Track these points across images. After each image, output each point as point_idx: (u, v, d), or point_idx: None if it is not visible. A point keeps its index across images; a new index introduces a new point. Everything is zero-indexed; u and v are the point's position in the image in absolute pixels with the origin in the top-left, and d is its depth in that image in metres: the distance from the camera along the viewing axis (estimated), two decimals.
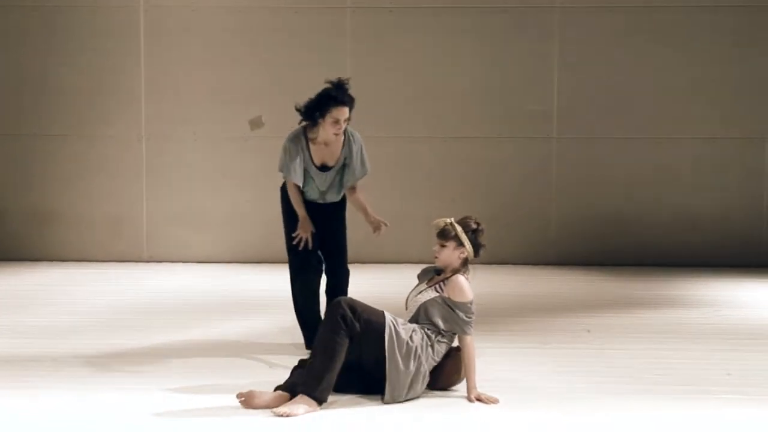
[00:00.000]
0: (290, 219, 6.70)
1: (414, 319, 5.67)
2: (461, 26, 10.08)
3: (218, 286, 9.03)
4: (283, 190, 6.77)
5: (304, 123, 6.58)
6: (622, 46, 10.06)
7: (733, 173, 10.11)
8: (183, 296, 8.58)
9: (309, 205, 6.67)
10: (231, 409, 5.39)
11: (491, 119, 10.12)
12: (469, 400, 5.55)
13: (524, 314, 7.85)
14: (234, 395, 5.48)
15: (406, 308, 5.78)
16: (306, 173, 6.58)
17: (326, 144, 6.57)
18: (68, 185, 10.20)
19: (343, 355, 5.40)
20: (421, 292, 5.73)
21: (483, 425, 5.20)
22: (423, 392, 5.62)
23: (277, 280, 9.29)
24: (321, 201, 6.70)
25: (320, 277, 6.70)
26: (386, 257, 10.07)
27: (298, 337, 6.79)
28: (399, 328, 5.54)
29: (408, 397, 5.53)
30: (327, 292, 6.75)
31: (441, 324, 5.62)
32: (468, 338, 5.61)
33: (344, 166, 6.65)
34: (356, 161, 6.67)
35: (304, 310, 6.64)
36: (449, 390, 5.77)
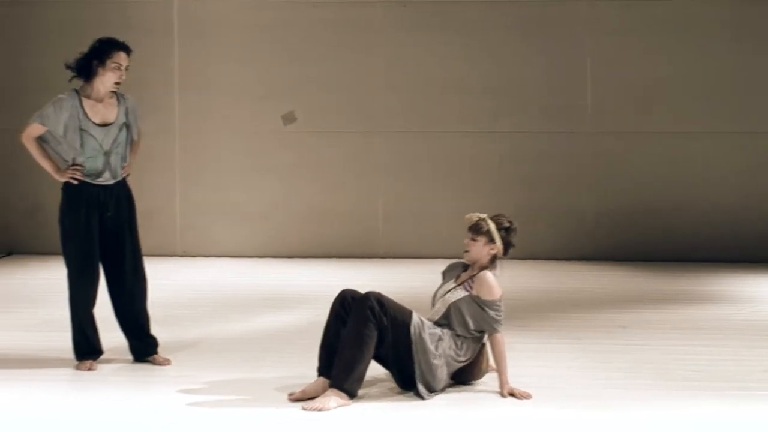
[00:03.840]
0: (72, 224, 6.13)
1: (444, 319, 5.63)
2: (494, 20, 10.05)
3: (251, 281, 9.05)
4: (65, 189, 6.15)
5: (76, 85, 6.14)
6: (656, 39, 9.99)
7: (766, 169, 10.01)
8: (216, 290, 8.61)
9: (94, 191, 6.08)
10: (264, 401, 5.41)
11: (524, 114, 10.08)
12: (502, 395, 5.52)
13: (558, 310, 7.81)
14: (267, 388, 5.50)
15: (433, 306, 5.75)
16: (84, 133, 6.04)
17: (103, 102, 6.12)
18: None
19: (372, 346, 5.38)
20: (449, 290, 5.69)
21: (515, 421, 5.18)
22: (449, 385, 5.60)
23: (311, 275, 9.33)
24: (109, 176, 6.11)
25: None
26: (414, 252, 10.05)
27: None
28: (425, 330, 5.49)
29: (438, 389, 5.51)
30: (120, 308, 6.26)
31: (471, 323, 5.59)
32: (498, 335, 5.58)
33: (128, 125, 6.22)
34: (134, 121, 6.31)
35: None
36: (477, 385, 5.74)
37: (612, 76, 10.00)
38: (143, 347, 6.21)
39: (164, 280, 9.03)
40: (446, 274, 5.88)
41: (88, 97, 6.10)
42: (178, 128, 10.20)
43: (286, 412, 5.24)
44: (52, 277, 9.11)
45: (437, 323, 5.63)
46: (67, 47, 10.24)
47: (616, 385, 5.80)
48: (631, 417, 5.25)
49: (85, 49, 6.18)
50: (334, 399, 5.28)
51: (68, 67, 6.16)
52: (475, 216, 5.77)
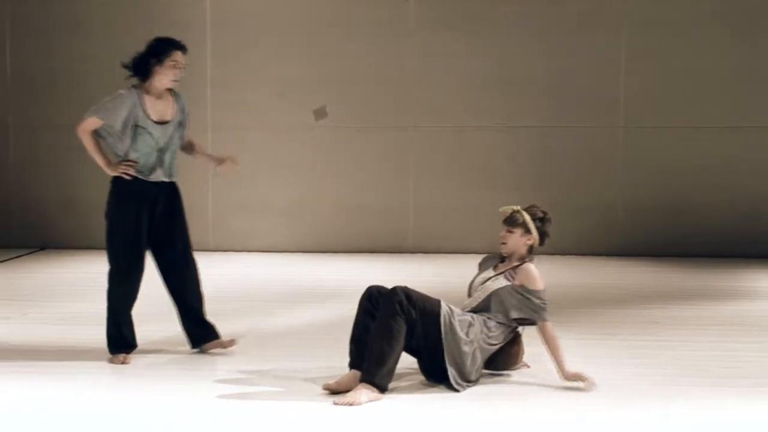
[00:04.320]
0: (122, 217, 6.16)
1: (483, 307, 5.63)
2: (526, 14, 10.02)
3: (282, 275, 9.07)
4: (112, 180, 6.21)
5: (134, 83, 6.16)
6: (690, 34, 9.93)
7: None
8: (248, 285, 8.64)
9: (144, 188, 6.11)
10: (295, 395, 5.42)
11: (556, 108, 10.05)
12: (569, 378, 5.54)
13: (590, 305, 7.79)
14: (298, 381, 5.54)
15: (469, 295, 5.76)
16: (142, 131, 6.06)
17: (160, 100, 6.15)
18: None
19: (402, 340, 5.39)
20: (489, 279, 5.70)
21: (546, 417, 5.17)
22: (482, 375, 5.62)
23: (342, 269, 9.34)
24: (162, 174, 6.15)
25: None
26: (449, 247, 10.05)
27: None
28: (455, 317, 5.51)
29: (472, 379, 5.52)
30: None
31: (514, 313, 5.59)
32: (547, 324, 5.61)
33: (181, 123, 6.26)
34: (187, 120, 6.34)
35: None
36: (510, 378, 5.74)
37: (645, 69, 9.95)
38: (201, 334, 6.29)
39: None
40: (482, 266, 5.89)
41: (149, 93, 6.14)
42: (210, 123, 10.23)
43: (317, 406, 5.25)
44: (85, 272, 9.18)
45: (473, 310, 5.64)
46: (100, 44, 10.36)
47: (649, 381, 5.77)
48: (665, 413, 5.23)
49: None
50: (365, 393, 5.29)
51: (124, 66, 6.20)
52: (509, 208, 5.79)
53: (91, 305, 7.72)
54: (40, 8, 10.34)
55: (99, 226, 10.34)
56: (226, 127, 10.23)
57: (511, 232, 5.72)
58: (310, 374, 5.80)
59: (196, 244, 10.24)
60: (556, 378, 5.65)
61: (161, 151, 6.15)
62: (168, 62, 6.08)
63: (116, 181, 6.18)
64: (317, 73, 10.15)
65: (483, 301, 5.65)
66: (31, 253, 10.14)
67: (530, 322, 5.67)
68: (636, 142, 10.02)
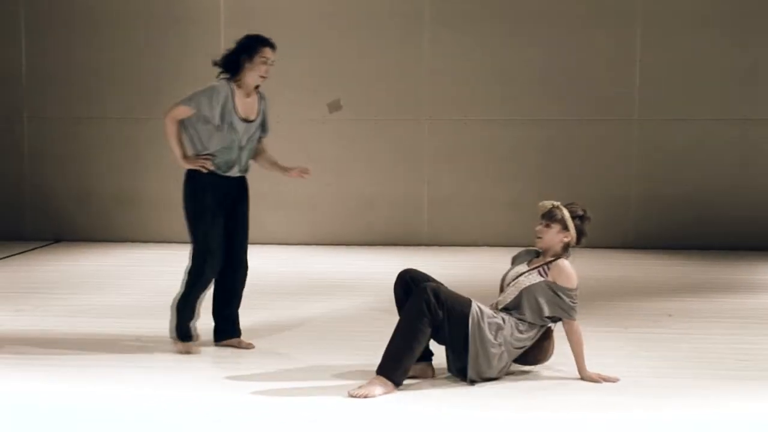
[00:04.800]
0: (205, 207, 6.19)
1: (515, 303, 5.58)
2: (541, 7, 9.99)
3: (297, 268, 9.07)
4: (187, 174, 6.22)
5: (223, 77, 6.19)
6: (704, 27, 9.88)
7: None
8: (260, 277, 8.58)
9: (220, 182, 6.20)
10: (308, 388, 5.42)
11: (572, 101, 10.02)
12: (586, 379, 5.55)
13: (604, 298, 7.77)
14: (314, 374, 5.57)
15: (501, 290, 5.72)
16: (229, 126, 6.12)
17: (249, 98, 6.22)
18: (149, 168, 10.32)
19: (424, 341, 5.38)
20: (522, 274, 5.65)
21: (562, 407, 5.16)
22: (508, 370, 5.62)
23: (357, 262, 9.34)
24: (237, 170, 6.25)
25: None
26: (463, 240, 10.04)
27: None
28: (484, 319, 5.47)
29: (493, 376, 5.52)
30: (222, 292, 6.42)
31: (546, 309, 5.56)
32: (575, 323, 5.58)
33: (263, 123, 6.32)
34: (268, 119, 6.40)
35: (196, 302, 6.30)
36: (527, 375, 5.73)
37: (660, 62, 9.91)
38: (230, 330, 6.35)
39: None
40: (516, 260, 5.84)
41: (240, 89, 6.19)
42: None
43: (332, 399, 5.25)
44: (98, 264, 9.20)
45: (505, 308, 5.61)
46: (115, 38, 10.37)
47: (664, 374, 5.76)
48: (680, 405, 5.21)
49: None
50: (380, 387, 5.29)
51: (215, 63, 6.24)
52: (548, 203, 5.72)
53: (103, 298, 7.75)
54: (55, 2, 10.36)
55: (114, 218, 10.46)
56: None
57: (548, 227, 5.65)
58: (326, 367, 5.80)
59: None
60: (569, 370, 5.64)
61: (241, 149, 6.22)
62: (258, 59, 6.13)
63: (192, 174, 6.20)
64: (331, 66, 10.15)
65: (516, 298, 5.60)
66: (45, 245, 10.16)
67: (557, 319, 5.64)
68: (650, 135, 9.98)
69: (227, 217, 6.30)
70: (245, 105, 6.19)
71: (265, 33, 10.08)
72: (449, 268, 8.67)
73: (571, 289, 5.58)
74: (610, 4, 9.96)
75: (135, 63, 10.28)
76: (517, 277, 5.65)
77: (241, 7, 10.19)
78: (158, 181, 10.30)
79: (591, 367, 5.64)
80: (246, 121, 6.19)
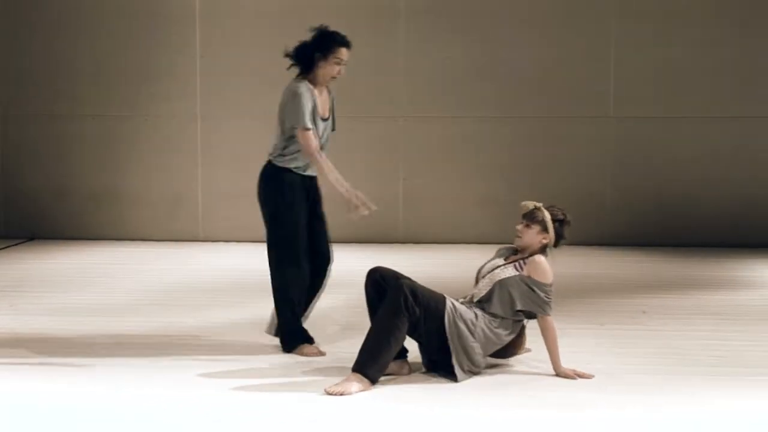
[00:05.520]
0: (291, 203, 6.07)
1: (487, 296, 5.63)
2: (516, 4, 10.01)
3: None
4: (269, 172, 6.15)
5: (299, 73, 6.06)
6: (680, 25, 9.93)
7: None
8: (238, 275, 8.63)
9: (300, 180, 6.08)
10: (282, 386, 5.43)
11: (548, 99, 10.05)
12: (561, 375, 5.59)
13: (580, 295, 7.80)
14: (291, 372, 5.58)
15: (476, 282, 5.76)
16: (314, 129, 5.99)
17: (321, 95, 6.08)
18: (126, 165, 10.29)
19: (401, 339, 5.41)
20: (498, 267, 5.70)
21: (536, 404, 5.18)
22: (485, 366, 5.67)
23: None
24: (314, 169, 6.10)
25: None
26: (439, 238, 10.05)
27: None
28: (458, 315, 5.52)
29: (475, 371, 5.57)
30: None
31: (518, 303, 5.60)
32: (549, 318, 5.62)
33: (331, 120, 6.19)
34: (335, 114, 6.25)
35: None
36: (505, 368, 5.76)
37: (635, 60, 9.95)
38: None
39: (186, 265, 9.07)
40: (496, 254, 5.89)
41: (314, 87, 6.04)
42: (199, 113, 10.22)
43: (307, 396, 5.26)
44: (75, 262, 9.16)
45: (479, 301, 5.64)
46: (91, 35, 10.32)
47: (639, 370, 5.79)
48: (656, 402, 5.24)
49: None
50: (355, 384, 5.31)
51: (287, 55, 6.07)
52: (531, 204, 5.78)
53: (81, 296, 7.72)
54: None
55: (91, 216, 10.42)
56: (215, 116, 10.21)
57: (528, 227, 5.72)
58: (303, 364, 5.80)
59: (184, 234, 10.34)
60: (547, 367, 5.67)
61: (321, 148, 6.06)
62: (332, 58, 5.99)
63: (270, 168, 6.10)
64: None
65: (489, 290, 5.64)
66: (20, 243, 10.12)
67: (532, 315, 5.67)
68: (625, 133, 10.02)
69: (310, 217, 6.14)
70: (321, 103, 6.05)
71: (239, 29, 10.18)
72: (424, 265, 8.68)
73: (546, 285, 5.63)
74: (585, 1, 9.99)
75: (111, 60, 10.24)
76: (492, 270, 5.71)
77: (216, 4, 10.17)
78: (136, 179, 10.27)
79: (566, 364, 5.67)
80: (323, 119, 6.06)
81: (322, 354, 5.97)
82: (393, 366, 5.54)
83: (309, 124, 5.94)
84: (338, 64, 6.01)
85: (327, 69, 6.00)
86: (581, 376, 5.59)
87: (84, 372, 5.71)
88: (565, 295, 7.72)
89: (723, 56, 9.92)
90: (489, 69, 10.04)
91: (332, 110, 6.19)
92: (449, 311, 5.48)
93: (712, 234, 9.95)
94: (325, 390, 5.29)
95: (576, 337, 6.42)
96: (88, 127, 10.29)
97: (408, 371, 5.61)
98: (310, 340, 6.07)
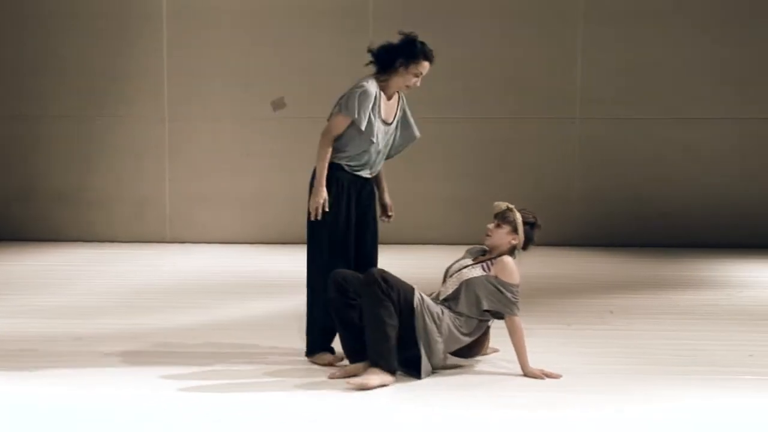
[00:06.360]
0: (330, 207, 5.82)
1: (454, 295, 5.67)
2: (482, 4, 10.04)
3: (241, 267, 9.05)
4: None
5: (375, 71, 5.87)
6: (647, 25, 9.99)
7: (758, 155, 10.05)
8: (205, 277, 8.61)
9: (351, 179, 5.88)
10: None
11: (514, 99, 10.08)
12: (529, 375, 5.62)
13: (547, 295, 7.84)
14: (261, 373, 5.61)
15: (444, 281, 5.79)
16: (369, 130, 5.80)
17: (389, 99, 5.91)
18: (92, 166, 10.24)
19: (393, 319, 5.43)
20: (466, 267, 5.73)
21: (503, 403, 5.20)
22: (445, 365, 5.71)
23: (302, 260, 9.31)
24: (368, 171, 5.93)
25: None
26: (406, 238, 10.06)
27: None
28: (426, 308, 5.56)
29: (435, 367, 5.61)
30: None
31: (485, 303, 5.63)
32: (516, 318, 5.65)
33: (400, 125, 6.01)
34: (411, 119, 6.07)
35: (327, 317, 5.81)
36: (473, 366, 5.78)
37: (602, 61, 10.01)
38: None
39: (154, 266, 9.04)
40: (466, 254, 5.93)
41: (383, 90, 5.89)
42: (167, 114, 10.18)
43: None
44: (40, 263, 9.10)
45: (445, 299, 5.67)
46: (58, 34, 10.26)
47: (606, 370, 5.83)
48: (620, 400, 5.28)
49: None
50: (375, 378, 5.39)
51: (370, 50, 5.91)
52: (503, 204, 5.82)
53: (45, 298, 7.67)
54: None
55: (57, 217, 10.35)
56: (183, 117, 10.18)
57: (499, 227, 5.77)
58: (277, 365, 5.82)
59: (151, 236, 10.30)
60: (513, 367, 5.70)
61: (378, 153, 5.92)
62: (413, 68, 5.84)
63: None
64: (275, 64, 10.12)
65: (456, 289, 5.68)
66: None
67: (499, 316, 5.70)
68: (591, 134, 10.07)
69: (357, 224, 5.93)
70: (387, 107, 5.90)
71: (206, 30, 10.15)
72: (391, 266, 8.57)
73: (512, 285, 5.67)
74: (552, 2, 10.03)
75: (78, 60, 10.18)
76: (460, 269, 5.74)
77: (183, 5, 10.14)
78: (103, 180, 10.22)
79: (534, 363, 5.69)
80: (385, 123, 5.90)
81: (337, 365, 5.80)
82: (359, 367, 5.57)
83: (355, 115, 5.75)
84: (416, 75, 5.87)
85: (404, 78, 5.86)
86: (549, 376, 5.63)
87: (48, 373, 5.68)
88: (533, 295, 7.75)
89: (688, 58, 9.99)
90: (456, 70, 10.05)
91: (402, 115, 6.02)
92: (417, 301, 5.53)
93: (679, 234, 10.02)
94: (346, 383, 5.38)
95: (543, 338, 6.45)
96: (54, 127, 10.22)
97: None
98: (330, 350, 5.94)
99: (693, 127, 10.05)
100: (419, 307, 5.53)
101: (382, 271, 5.54)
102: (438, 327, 5.57)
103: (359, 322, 5.54)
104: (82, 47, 10.18)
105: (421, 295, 5.59)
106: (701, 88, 10.01)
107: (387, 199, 6.18)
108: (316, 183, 5.86)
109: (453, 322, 5.62)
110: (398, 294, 5.48)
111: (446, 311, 5.63)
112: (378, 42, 5.97)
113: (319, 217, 5.80)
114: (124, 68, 10.16)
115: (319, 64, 10.11)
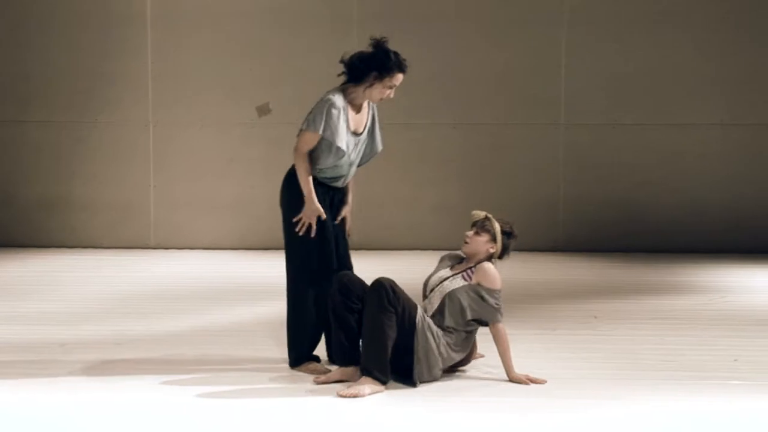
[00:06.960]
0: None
1: (439, 309, 5.68)
2: (467, 9, 10.05)
3: (225, 273, 9.03)
4: (290, 177, 5.95)
5: (344, 82, 5.85)
6: (631, 31, 10.01)
7: (742, 160, 10.08)
8: (190, 283, 8.59)
9: (324, 190, 5.87)
10: (237, 392, 5.42)
11: (499, 105, 10.08)
12: (514, 381, 5.63)
13: (531, 300, 7.84)
14: (251, 379, 5.63)
15: (424, 295, 5.81)
16: (340, 143, 5.77)
17: (359, 110, 5.87)
18: (75, 171, 10.19)
19: (394, 331, 5.45)
20: (446, 279, 5.74)
21: (489, 408, 5.20)
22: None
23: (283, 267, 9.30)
24: (341, 182, 5.93)
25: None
26: (395, 244, 10.05)
27: None
28: (427, 325, 5.59)
29: (432, 379, 5.63)
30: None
31: (469, 313, 5.64)
32: (500, 325, 5.67)
33: (369, 136, 5.97)
34: (378, 131, 6.02)
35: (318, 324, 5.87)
36: (455, 374, 5.77)
37: (586, 67, 10.02)
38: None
39: (137, 272, 9.01)
40: (441, 262, 5.95)
41: (352, 102, 5.83)
42: (151, 119, 10.16)
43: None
44: (21, 270, 9.06)
45: (432, 315, 5.69)
46: (41, 39, 10.23)
47: (591, 375, 5.84)
48: (605, 406, 5.28)
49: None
50: (367, 387, 5.40)
51: (342, 61, 5.87)
52: (482, 213, 5.84)
53: (28, 304, 7.64)
54: None
55: (38, 223, 10.30)
56: (167, 123, 10.15)
57: (478, 234, 5.78)
58: (265, 371, 5.80)
59: (135, 242, 10.26)
60: (497, 372, 5.70)
61: (351, 165, 5.88)
62: (387, 81, 5.78)
63: (292, 173, 5.88)
64: (260, 69, 10.10)
65: (441, 303, 5.69)
66: None
67: (483, 323, 5.71)
68: (576, 139, 10.08)
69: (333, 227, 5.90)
70: (355, 118, 5.84)
71: (191, 34, 10.12)
72: (377, 272, 8.55)
73: (495, 291, 5.69)
74: (536, 7, 10.04)
75: (61, 64, 10.14)
76: (441, 282, 5.75)
77: (167, 8, 10.11)
78: (86, 186, 10.17)
79: (519, 369, 5.70)
80: (355, 134, 5.84)
81: (327, 372, 5.75)
82: (347, 372, 5.56)
83: (320, 131, 5.73)
84: (390, 88, 5.82)
85: (378, 90, 5.80)
86: (534, 381, 5.63)
87: (30, 381, 5.66)
88: (517, 301, 7.76)
89: (674, 63, 10.01)
90: (440, 75, 10.05)
91: (371, 125, 5.97)
92: (420, 319, 5.57)
93: (663, 240, 10.03)
94: (337, 393, 5.37)
95: (528, 343, 6.45)
96: (36, 132, 10.18)
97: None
98: (315, 358, 5.90)
99: (678, 132, 10.07)
100: (421, 325, 5.56)
101: (392, 282, 5.57)
102: (438, 345, 5.59)
103: (356, 327, 5.57)
104: (65, 52, 10.14)
105: (423, 312, 5.62)
106: (687, 94, 10.03)
107: (347, 212, 6.07)
108: (306, 199, 5.81)
109: (447, 341, 5.63)
110: (403, 308, 5.51)
111: (439, 330, 5.65)
112: (350, 52, 5.92)
113: (312, 234, 5.78)
114: (107, 73, 10.12)
115: (304, 70, 10.10)
